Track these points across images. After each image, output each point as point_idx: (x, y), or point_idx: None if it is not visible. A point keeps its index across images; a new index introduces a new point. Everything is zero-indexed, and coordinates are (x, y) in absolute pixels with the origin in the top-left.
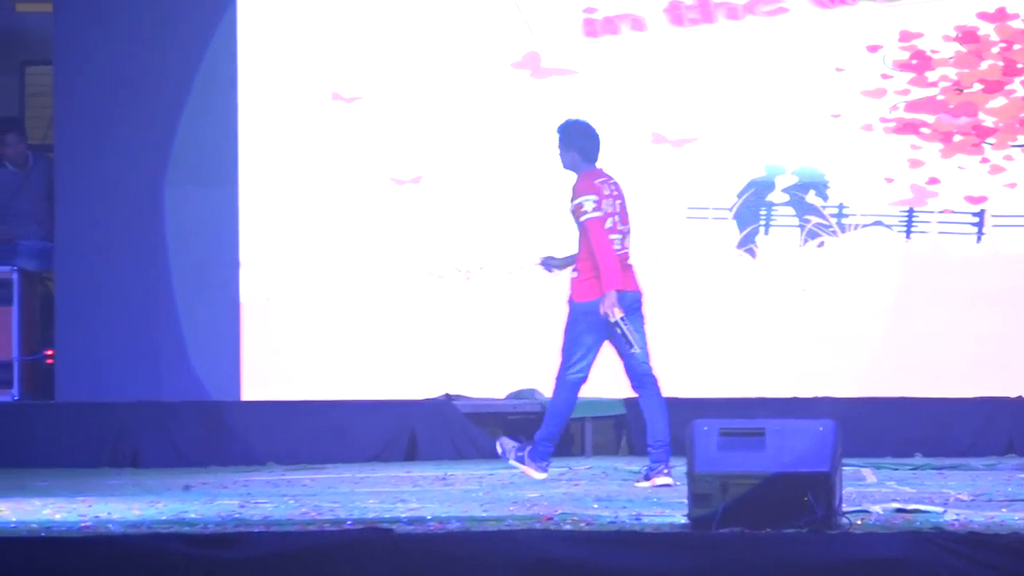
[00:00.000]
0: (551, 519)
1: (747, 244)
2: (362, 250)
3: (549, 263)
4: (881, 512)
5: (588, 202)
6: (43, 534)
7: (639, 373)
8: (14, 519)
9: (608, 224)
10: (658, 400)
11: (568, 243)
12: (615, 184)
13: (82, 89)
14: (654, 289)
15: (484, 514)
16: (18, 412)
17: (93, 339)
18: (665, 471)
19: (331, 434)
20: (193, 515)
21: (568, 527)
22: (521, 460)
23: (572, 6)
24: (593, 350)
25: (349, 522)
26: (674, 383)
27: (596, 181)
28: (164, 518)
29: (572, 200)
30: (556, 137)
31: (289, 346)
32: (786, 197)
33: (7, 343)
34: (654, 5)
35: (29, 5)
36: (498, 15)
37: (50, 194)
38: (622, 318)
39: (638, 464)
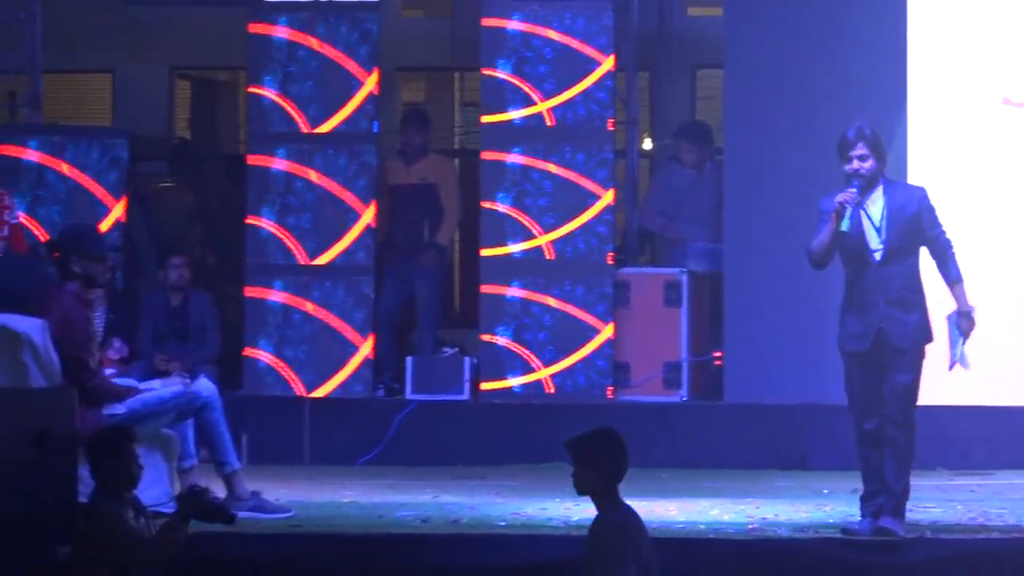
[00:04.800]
0: None
1: None
2: None
3: None
4: None
5: None
6: (710, 535)
7: None
8: (682, 519)
9: None
10: None
11: None
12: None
13: (752, 91)
14: None
15: None
16: (687, 412)
17: (761, 340)
18: None
19: (1003, 439)
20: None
21: None
22: None
23: None
24: None
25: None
26: None
27: None
28: (831, 522)
29: None
30: None
31: None
32: None
33: (676, 344)
34: None
35: (701, 9)
36: None
37: (720, 196)
38: None
39: None
